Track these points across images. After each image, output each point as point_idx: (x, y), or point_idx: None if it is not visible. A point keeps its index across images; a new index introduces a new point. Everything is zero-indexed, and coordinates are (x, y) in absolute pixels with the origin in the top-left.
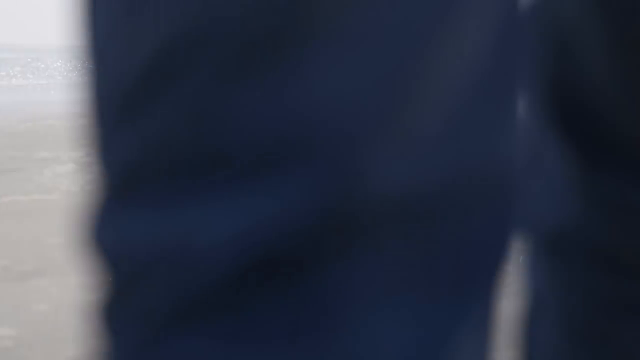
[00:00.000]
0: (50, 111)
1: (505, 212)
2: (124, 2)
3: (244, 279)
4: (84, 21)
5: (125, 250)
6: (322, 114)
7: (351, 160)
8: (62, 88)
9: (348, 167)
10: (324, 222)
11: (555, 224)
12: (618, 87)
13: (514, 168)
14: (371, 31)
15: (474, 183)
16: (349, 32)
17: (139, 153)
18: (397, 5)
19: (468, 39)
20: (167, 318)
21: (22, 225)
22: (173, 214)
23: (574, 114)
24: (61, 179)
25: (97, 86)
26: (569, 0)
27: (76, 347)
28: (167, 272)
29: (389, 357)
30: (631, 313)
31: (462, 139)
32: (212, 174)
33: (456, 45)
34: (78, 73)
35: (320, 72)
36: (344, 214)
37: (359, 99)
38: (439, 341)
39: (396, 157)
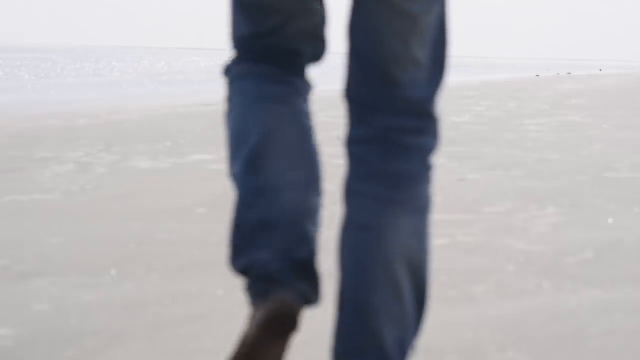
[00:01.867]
0: (50, 111)
1: None
2: None
3: None
4: None
5: None
6: None
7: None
8: (63, 88)
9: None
10: None
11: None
12: None
13: None
14: None
15: None
16: None
17: None
18: None
19: None
20: None
21: (22, 225)
22: None
23: None
24: (61, 179)
25: None
26: None
27: (76, 347)
28: None
29: None
30: None
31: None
32: None
33: None
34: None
35: None
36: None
37: None
38: None
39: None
